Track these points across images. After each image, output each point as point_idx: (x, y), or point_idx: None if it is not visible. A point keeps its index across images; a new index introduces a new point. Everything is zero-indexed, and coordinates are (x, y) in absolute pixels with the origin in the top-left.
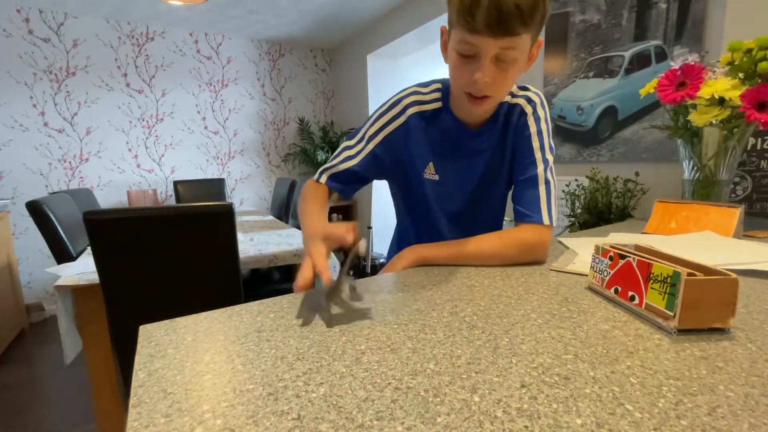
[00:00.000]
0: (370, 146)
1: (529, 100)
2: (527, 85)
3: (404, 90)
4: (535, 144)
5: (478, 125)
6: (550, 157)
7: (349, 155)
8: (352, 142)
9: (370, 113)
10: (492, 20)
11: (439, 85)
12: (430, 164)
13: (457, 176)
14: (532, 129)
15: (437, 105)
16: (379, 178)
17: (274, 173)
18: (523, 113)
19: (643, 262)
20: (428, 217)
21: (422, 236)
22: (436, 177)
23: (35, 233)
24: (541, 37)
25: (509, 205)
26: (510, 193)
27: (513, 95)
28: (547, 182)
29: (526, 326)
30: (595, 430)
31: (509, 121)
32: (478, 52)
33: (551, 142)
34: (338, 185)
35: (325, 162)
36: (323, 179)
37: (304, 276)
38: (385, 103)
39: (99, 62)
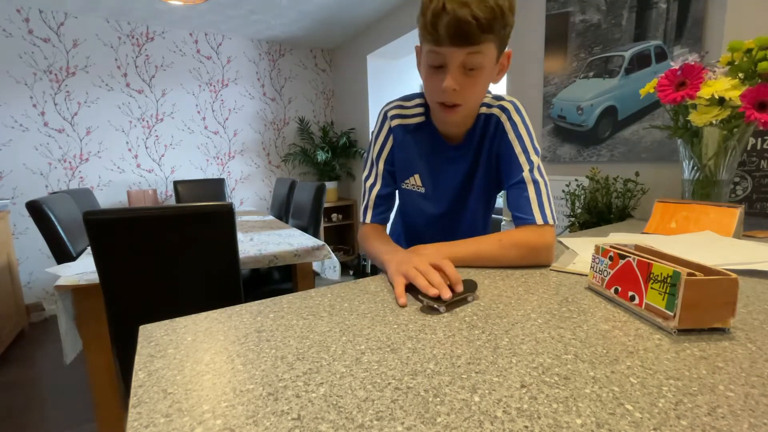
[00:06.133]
0: (381, 165)
1: (503, 109)
2: (502, 95)
3: (389, 104)
4: (517, 149)
5: (459, 139)
6: (534, 159)
7: (372, 184)
8: (366, 172)
9: (370, 111)
10: (452, 31)
11: (422, 100)
12: (416, 176)
13: (440, 187)
14: (510, 135)
15: (420, 119)
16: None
17: (274, 173)
18: (499, 122)
19: (643, 262)
20: (410, 221)
21: (408, 237)
22: (423, 189)
23: (35, 233)
24: (509, 49)
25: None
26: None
27: (488, 106)
28: (535, 182)
29: (526, 326)
30: (595, 430)
31: (486, 131)
32: (446, 61)
33: (535, 144)
34: (383, 215)
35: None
36: (368, 219)
37: (414, 275)
38: (376, 122)
39: (99, 62)
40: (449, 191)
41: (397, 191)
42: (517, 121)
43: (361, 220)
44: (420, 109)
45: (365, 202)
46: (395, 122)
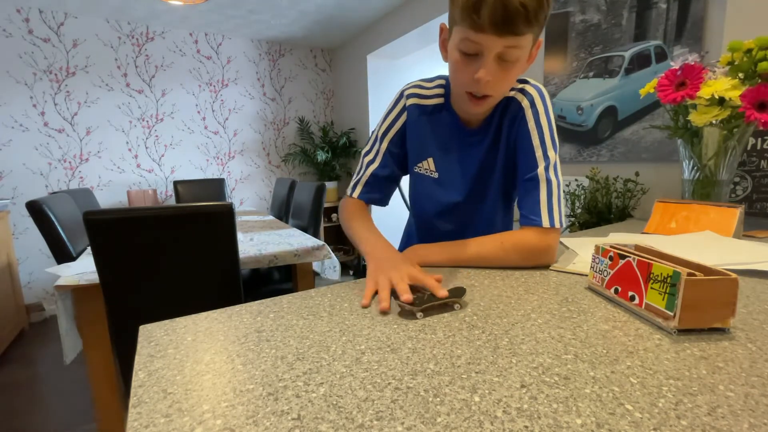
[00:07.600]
0: (385, 144)
1: (526, 93)
2: (527, 78)
3: (408, 84)
4: (535, 141)
5: (477, 124)
6: (551, 155)
7: (370, 160)
8: (368, 147)
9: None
10: (497, 18)
11: (442, 81)
12: (430, 160)
13: (455, 173)
14: (530, 125)
15: (439, 101)
16: (405, 173)
17: (274, 173)
18: (520, 108)
19: (643, 262)
20: (422, 210)
21: (420, 229)
22: (436, 174)
23: (35, 233)
24: (541, 38)
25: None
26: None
27: (511, 89)
28: (548, 181)
29: (526, 326)
30: (595, 430)
31: (505, 116)
32: (482, 50)
33: (554, 138)
34: (371, 195)
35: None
36: (356, 194)
37: (383, 297)
38: (392, 100)
39: (99, 62)
40: (465, 178)
41: (394, 177)
42: (540, 110)
43: (348, 192)
44: (440, 90)
45: (359, 176)
46: (411, 101)
